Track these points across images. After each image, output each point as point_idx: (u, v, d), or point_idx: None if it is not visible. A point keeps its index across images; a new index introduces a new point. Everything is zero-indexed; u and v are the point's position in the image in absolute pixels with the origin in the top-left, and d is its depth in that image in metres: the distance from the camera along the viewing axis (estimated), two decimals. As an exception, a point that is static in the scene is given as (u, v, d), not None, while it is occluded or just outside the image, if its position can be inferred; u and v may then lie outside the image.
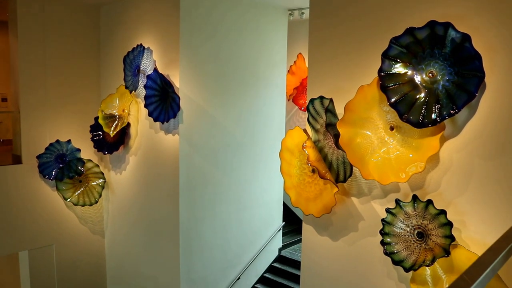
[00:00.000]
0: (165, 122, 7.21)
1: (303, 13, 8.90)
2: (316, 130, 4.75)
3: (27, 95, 8.17)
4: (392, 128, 4.06)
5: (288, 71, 9.37)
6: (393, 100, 3.88)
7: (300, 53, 9.37)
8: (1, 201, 7.95)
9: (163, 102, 7.19)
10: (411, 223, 3.94)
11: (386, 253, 4.07)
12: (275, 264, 9.19)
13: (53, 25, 8.40)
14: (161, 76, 7.19)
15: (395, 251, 4.01)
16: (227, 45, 7.68)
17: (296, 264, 8.82)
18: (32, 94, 8.22)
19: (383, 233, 4.10)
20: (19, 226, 8.18)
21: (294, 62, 9.46)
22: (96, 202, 8.59)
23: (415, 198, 3.92)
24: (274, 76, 8.65)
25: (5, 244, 8.12)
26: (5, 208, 8.00)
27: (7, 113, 10.61)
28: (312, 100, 4.71)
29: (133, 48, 7.70)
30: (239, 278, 8.30)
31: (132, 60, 7.75)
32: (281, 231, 9.35)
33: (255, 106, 8.31)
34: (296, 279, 8.40)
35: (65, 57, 8.58)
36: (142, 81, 7.54)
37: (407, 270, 3.93)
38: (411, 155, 3.92)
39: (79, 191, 8.50)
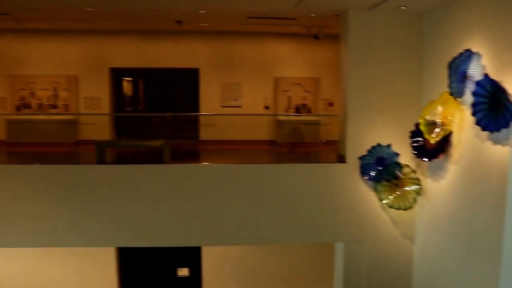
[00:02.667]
0: (494, 132, 6.72)
1: None
2: None
3: (353, 100, 8.96)
4: None
5: None
6: None
7: None
8: (325, 194, 9.02)
9: (493, 110, 6.69)
10: None
11: None
12: None
13: (377, 34, 8.93)
14: (492, 82, 6.70)
15: None
16: None
17: None
18: (358, 99, 8.95)
19: None
20: (337, 219, 9.07)
21: None
22: (411, 207, 8.68)
23: None
24: None
25: (323, 233, 9.25)
26: (327, 200, 9.02)
27: (334, 116, 11.87)
28: None
29: (459, 54, 7.43)
30: None
31: (457, 66, 7.49)
32: None
33: None
34: None
35: (387, 64, 8.97)
36: (469, 87, 7.19)
37: None
38: None
39: (394, 195, 8.75)
